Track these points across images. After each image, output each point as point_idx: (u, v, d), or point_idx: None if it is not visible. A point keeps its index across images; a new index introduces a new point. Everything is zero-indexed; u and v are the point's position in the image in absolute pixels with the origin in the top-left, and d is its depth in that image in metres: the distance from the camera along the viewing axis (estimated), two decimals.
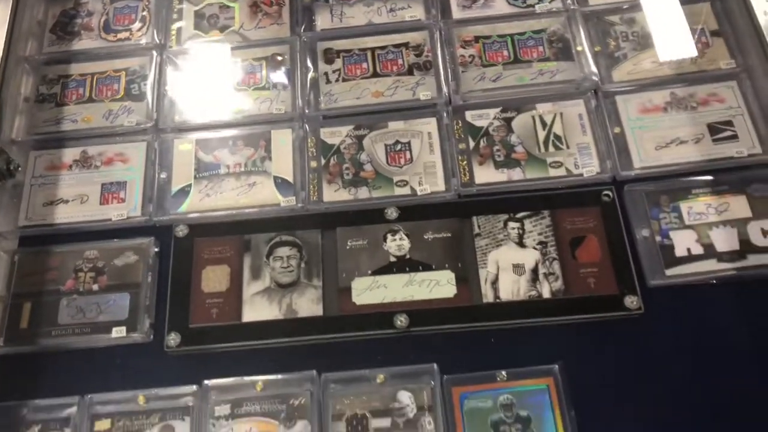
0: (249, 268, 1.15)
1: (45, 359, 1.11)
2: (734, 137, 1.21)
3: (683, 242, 1.14)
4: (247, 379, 1.06)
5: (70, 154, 1.26)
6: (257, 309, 1.12)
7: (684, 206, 1.16)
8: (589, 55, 1.29)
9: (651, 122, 1.23)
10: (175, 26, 1.37)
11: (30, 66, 1.34)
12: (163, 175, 1.23)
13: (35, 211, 1.22)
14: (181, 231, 1.18)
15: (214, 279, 1.15)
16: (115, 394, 1.06)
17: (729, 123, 1.22)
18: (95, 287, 1.15)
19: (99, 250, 1.18)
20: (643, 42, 1.30)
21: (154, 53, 1.34)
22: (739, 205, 1.15)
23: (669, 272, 1.11)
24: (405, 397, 1.05)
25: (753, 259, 1.11)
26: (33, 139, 1.28)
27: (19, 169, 1.23)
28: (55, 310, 1.13)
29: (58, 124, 1.29)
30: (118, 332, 1.11)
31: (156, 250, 1.18)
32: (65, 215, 1.21)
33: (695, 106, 1.24)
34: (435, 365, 1.06)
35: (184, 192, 1.22)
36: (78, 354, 1.11)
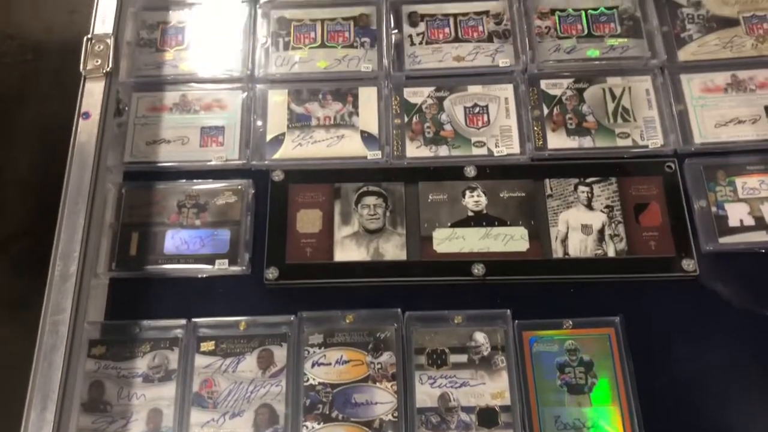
0: (339, 214, 1.26)
1: (153, 285, 1.22)
2: None
3: (736, 214, 1.25)
4: (338, 312, 1.18)
5: (170, 97, 1.35)
6: (347, 250, 1.23)
7: (739, 181, 1.27)
8: (657, 35, 1.38)
9: (712, 101, 1.33)
10: None
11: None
12: (259, 123, 1.33)
13: (138, 149, 1.31)
14: (278, 176, 1.28)
15: (307, 221, 1.25)
16: (219, 319, 1.17)
17: None
18: (197, 222, 1.26)
19: (200, 189, 1.28)
20: (708, 25, 1.39)
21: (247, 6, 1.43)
22: None
23: (722, 240, 1.23)
24: (480, 337, 1.17)
25: None
26: (135, 81, 1.37)
27: (126, 109, 1.32)
28: (162, 240, 1.24)
29: (158, 68, 1.38)
30: (221, 264, 1.22)
31: (253, 191, 1.28)
32: (167, 154, 1.31)
33: (754, 89, 1.34)
34: (508, 311, 1.17)
35: (278, 140, 1.31)
36: (183, 282, 1.22)
